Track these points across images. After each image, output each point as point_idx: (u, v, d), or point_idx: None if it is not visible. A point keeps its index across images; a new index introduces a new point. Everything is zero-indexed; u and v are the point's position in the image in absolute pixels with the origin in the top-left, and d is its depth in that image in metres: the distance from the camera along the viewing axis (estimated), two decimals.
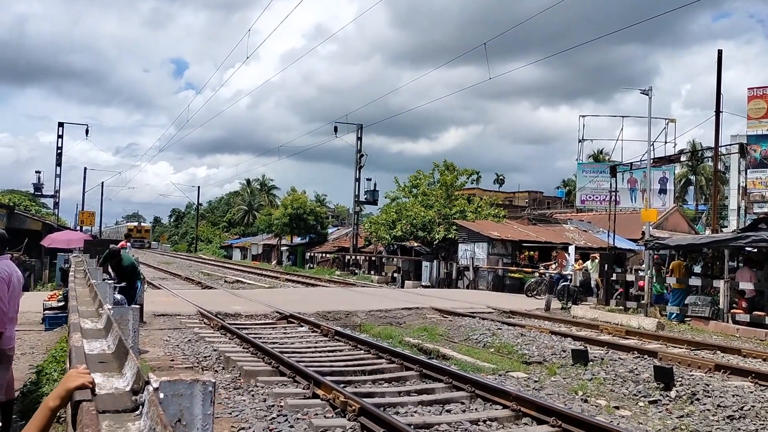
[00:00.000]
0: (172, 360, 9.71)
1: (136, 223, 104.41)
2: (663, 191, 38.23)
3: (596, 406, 7.72)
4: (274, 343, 11.06)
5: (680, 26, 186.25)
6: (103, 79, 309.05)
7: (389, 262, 35.50)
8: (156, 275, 33.05)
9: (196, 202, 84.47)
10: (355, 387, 7.98)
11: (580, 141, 42.19)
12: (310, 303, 17.07)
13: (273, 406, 7.03)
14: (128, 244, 13.25)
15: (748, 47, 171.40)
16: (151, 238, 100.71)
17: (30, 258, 24.27)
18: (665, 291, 17.89)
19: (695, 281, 16.93)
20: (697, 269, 18.58)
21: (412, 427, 6.05)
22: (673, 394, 8.13)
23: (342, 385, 7.56)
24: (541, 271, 23.20)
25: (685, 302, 16.17)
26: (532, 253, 27.73)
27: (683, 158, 34.85)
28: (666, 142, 38.11)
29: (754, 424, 6.95)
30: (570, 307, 18.14)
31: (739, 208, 27.10)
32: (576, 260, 22.09)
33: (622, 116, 42.51)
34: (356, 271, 38.09)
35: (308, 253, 47.80)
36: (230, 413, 6.76)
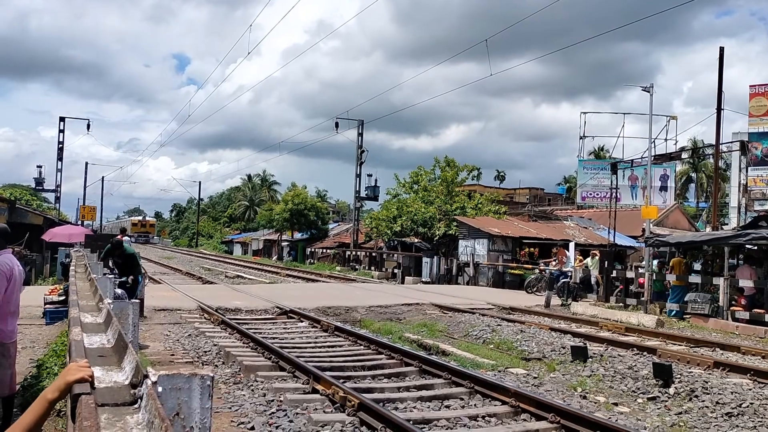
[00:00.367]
0: (173, 354, 9.73)
1: (140, 217, 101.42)
2: (664, 188, 38.20)
3: (595, 403, 7.74)
4: (274, 338, 11.09)
5: (683, 24, 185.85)
6: (105, 74, 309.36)
7: (389, 258, 35.51)
8: (157, 270, 33.08)
9: (197, 198, 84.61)
10: (355, 382, 8.00)
11: (581, 138, 42.19)
12: (310, 298, 17.10)
13: (272, 400, 7.06)
14: (125, 238, 13.24)
15: (751, 45, 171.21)
16: (156, 233, 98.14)
17: (31, 252, 24.30)
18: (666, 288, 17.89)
19: (695, 278, 16.94)
20: (697, 266, 18.59)
21: (411, 422, 6.07)
22: (671, 390, 8.15)
23: (341, 381, 7.58)
24: (541, 267, 23.21)
25: (685, 299, 16.18)
26: (532, 249, 27.74)
27: (684, 155, 34.84)
28: (667, 140, 38.11)
29: (753, 421, 6.97)
30: (570, 304, 18.15)
31: (739, 205, 27.09)
32: (576, 257, 22.10)
33: (624, 113, 42.68)
34: (356, 266, 38.11)
35: (309, 249, 47.82)
36: (230, 408, 6.78)
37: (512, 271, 25.99)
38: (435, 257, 29.97)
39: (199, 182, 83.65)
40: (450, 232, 31.45)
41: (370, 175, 44.81)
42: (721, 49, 20.04)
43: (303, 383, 7.74)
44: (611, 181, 24.85)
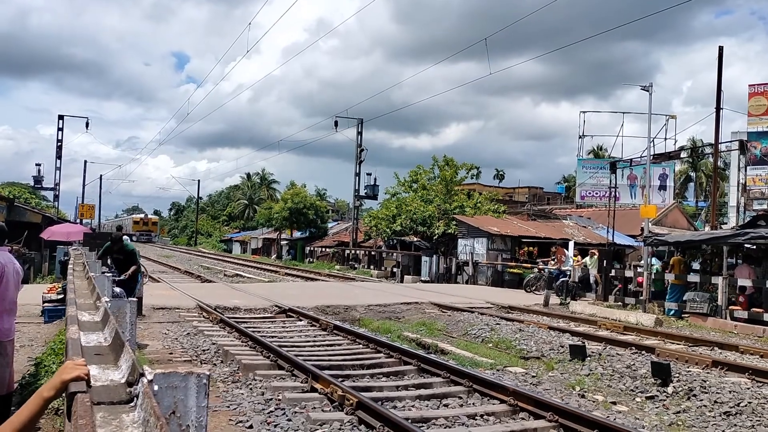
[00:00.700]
0: (171, 353, 9.73)
1: (141, 215, 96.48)
2: (663, 188, 38.23)
3: (593, 402, 7.74)
4: (272, 336, 11.09)
5: (682, 23, 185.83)
6: (105, 72, 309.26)
7: (389, 256, 35.52)
8: (155, 268, 33.06)
9: (197, 196, 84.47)
10: (353, 381, 8.00)
11: (580, 137, 42.21)
12: (309, 297, 17.09)
13: (271, 399, 7.06)
14: (124, 237, 13.21)
15: (750, 44, 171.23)
16: (158, 232, 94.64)
17: (30, 251, 24.27)
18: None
19: (694, 278, 16.94)
20: (696, 266, 18.60)
21: (410, 421, 6.07)
22: (670, 389, 8.15)
23: (340, 379, 7.58)
24: (540, 266, 23.21)
25: (684, 298, 16.19)
26: (531, 248, 27.75)
27: (683, 155, 34.85)
28: (666, 139, 38.14)
29: (751, 420, 6.97)
30: (568, 303, 18.16)
31: (738, 205, 27.13)
32: (574, 256, 22.11)
33: (623, 113, 42.69)
34: (356, 265, 38.12)
35: (308, 248, 47.82)
36: (228, 406, 6.78)
37: (511, 270, 26.00)
38: (434, 256, 29.98)
39: (198, 181, 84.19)
40: (449, 231, 31.46)
41: (369, 174, 44.82)
42: (720, 49, 20.08)
43: (301, 382, 7.73)
44: (610, 180, 24.86)
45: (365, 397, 6.57)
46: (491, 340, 11.94)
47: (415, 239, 33.34)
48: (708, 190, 47.07)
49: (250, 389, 7.56)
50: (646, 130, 21.55)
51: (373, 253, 38.29)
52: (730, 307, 15.23)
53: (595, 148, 52.84)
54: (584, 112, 42.42)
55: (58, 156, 43.72)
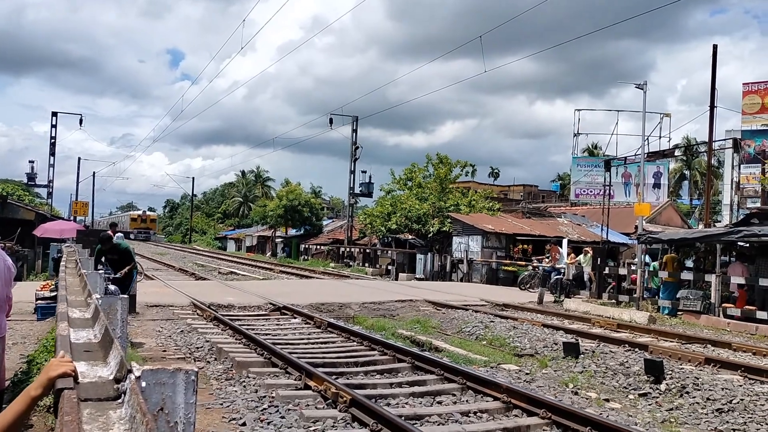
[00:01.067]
0: (165, 351, 9.71)
1: (139, 212, 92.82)
2: (657, 186, 38.30)
3: (586, 399, 7.77)
4: (266, 334, 11.07)
5: (677, 21, 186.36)
6: (99, 69, 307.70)
7: (384, 254, 35.52)
8: (149, 266, 32.95)
9: (191, 193, 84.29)
10: (347, 378, 8.00)
11: (575, 135, 42.23)
12: (303, 295, 17.08)
13: (264, 396, 7.05)
14: (118, 234, 13.16)
15: (745, 43, 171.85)
16: (158, 229, 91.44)
17: (23, 248, 24.18)
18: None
19: (687, 275, 17.00)
20: (689, 263, 18.66)
21: (403, 418, 6.07)
22: (662, 387, 8.18)
23: (334, 377, 7.57)
24: (534, 264, 23.26)
25: (677, 296, 16.25)
26: (525, 246, 27.80)
27: (677, 153, 34.97)
28: (660, 137, 38.15)
29: (743, 417, 7.00)
30: (562, 301, 18.20)
31: (732, 203, 27.25)
32: (568, 254, 22.16)
33: (618, 111, 42.71)
34: (350, 263, 38.10)
35: (303, 245, 47.76)
36: (221, 404, 6.77)
37: (506, 267, 26.02)
38: (429, 254, 29.99)
39: (193, 178, 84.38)
40: (444, 228, 31.47)
41: (364, 172, 44.75)
42: (715, 47, 20.18)
43: (295, 379, 7.73)
44: (605, 179, 24.88)
45: (359, 395, 6.57)
46: (485, 337, 11.96)
47: (410, 237, 33.34)
48: (702, 188, 47.22)
49: (244, 387, 7.54)
50: (640, 128, 21.64)
51: (368, 250, 38.28)
52: (723, 305, 15.30)
53: (590, 147, 52.91)
54: (579, 110, 42.71)
55: (52, 153, 43.59)
